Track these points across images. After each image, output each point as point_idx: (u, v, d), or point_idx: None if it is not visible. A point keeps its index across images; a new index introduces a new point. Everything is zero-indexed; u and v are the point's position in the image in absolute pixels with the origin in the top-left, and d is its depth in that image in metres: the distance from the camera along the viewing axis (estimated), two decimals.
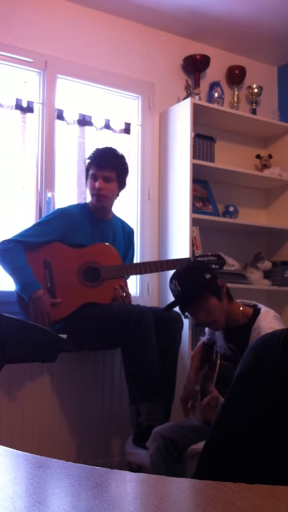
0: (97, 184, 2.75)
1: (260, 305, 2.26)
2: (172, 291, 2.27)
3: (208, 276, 2.22)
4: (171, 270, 2.91)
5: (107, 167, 2.75)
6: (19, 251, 2.65)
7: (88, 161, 2.84)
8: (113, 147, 2.88)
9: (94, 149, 2.86)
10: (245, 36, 3.74)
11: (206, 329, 2.51)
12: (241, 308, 2.24)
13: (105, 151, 2.83)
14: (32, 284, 2.61)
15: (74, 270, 2.73)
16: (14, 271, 2.63)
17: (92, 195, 2.80)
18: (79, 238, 2.76)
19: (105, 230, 2.85)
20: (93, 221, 2.83)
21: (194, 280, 2.21)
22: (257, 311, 2.20)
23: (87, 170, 2.83)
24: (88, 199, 3.14)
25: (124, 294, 2.74)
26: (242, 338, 2.14)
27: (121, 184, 2.83)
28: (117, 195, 2.86)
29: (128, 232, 3.01)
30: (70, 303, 2.69)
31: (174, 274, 2.31)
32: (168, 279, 3.37)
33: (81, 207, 2.88)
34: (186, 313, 2.31)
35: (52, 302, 2.64)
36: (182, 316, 2.61)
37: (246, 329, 2.15)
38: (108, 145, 2.92)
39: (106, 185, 2.75)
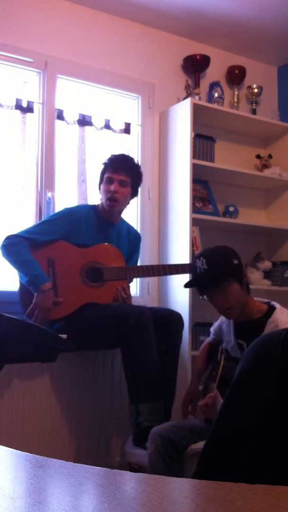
0: (112, 187, 2.75)
1: (273, 302, 2.26)
2: (196, 268, 2.23)
3: (236, 261, 2.22)
4: (173, 274, 2.91)
5: (123, 171, 2.77)
6: (25, 245, 2.65)
7: (103, 166, 2.85)
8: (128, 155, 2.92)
9: (110, 155, 2.88)
10: (245, 36, 3.75)
11: (211, 329, 2.50)
12: (256, 304, 2.24)
13: (122, 156, 2.86)
14: (41, 276, 2.61)
15: (77, 269, 2.73)
16: (22, 264, 2.63)
17: (106, 198, 2.79)
18: (83, 239, 2.77)
19: (110, 233, 2.85)
20: (99, 224, 2.84)
21: (223, 262, 2.21)
22: (272, 307, 2.21)
23: (102, 174, 2.84)
24: (90, 201, 3.13)
25: (126, 296, 2.74)
26: (254, 332, 2.12)
27: (134, 192, 2.86)
28: (128, 202, 2.87)
29: (134, 237, 3.02)
30: (71, 302, 2.68)
31: (202, 252, 2.31)
32: (168, 280, 3.39)
33: (90, 209, 2.88)
34: (204, 295, 2.26)
35: (54, 301, 2.64)
36: (200, 297, 2.46)
37: (260, 323, 2.15)
38: (113, 147, 2.96)
39: (121, 189, 2.77)
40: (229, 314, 2.24)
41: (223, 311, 2.24)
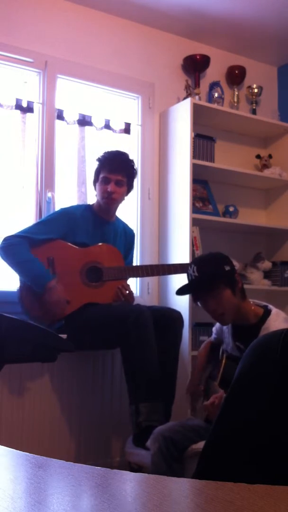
0: (109, 188, 2.75)
1: (270, 306, 2.26)
2: (188, 276, 2.25)
3: (227, 268, 2.22)
4: (173, 274, 2.91)
5: (120, 171, 2.77)
6: (25, 246, 2.65)
7: (97, 163, 2.84)
8: (123, 150, 2.91)
9: (104, 152, 2.86)
10: (245, 36, 3.74)
11: (214, 329, 2.50)
12: (252, 308, 2.24)
13: (118, 155, 2.84)
14: (45, 274, 2.62)
15: (77, 269, 2.73)
16: (23, 264, 2.63)
17: (103, 197, 2.79)
18: (81, 238, 2.77)
19: (106, 232, 2.85)
20: (96, 222, 2.84)
21: (213, 268, 2.21)
22: (267, 312, 2.20)
23: (97, 173, 2.83)
24: (89, 200, 3.14)
25: (127, 293, 2.74)
26: (250, 337, 2.13)
27: (130, 188, 2.86)
28: (124, 198, 2.87)
29: (129, 235, 3.02)
30: (71, 302, 2.68)
31: (194, 259, 2.33)
32: (169, 280, 3.39)
33: (85, 208, 2.88)
34: (197, 302, 2.27)
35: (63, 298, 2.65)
36: (193, 303, 2.51)
37: (256, 328, 2.14)
38: (113, 147, 2.96)
39: (118, 188, 2.77)
40: (223, 320, 2.24)
41: (217, 317, 2.24)
